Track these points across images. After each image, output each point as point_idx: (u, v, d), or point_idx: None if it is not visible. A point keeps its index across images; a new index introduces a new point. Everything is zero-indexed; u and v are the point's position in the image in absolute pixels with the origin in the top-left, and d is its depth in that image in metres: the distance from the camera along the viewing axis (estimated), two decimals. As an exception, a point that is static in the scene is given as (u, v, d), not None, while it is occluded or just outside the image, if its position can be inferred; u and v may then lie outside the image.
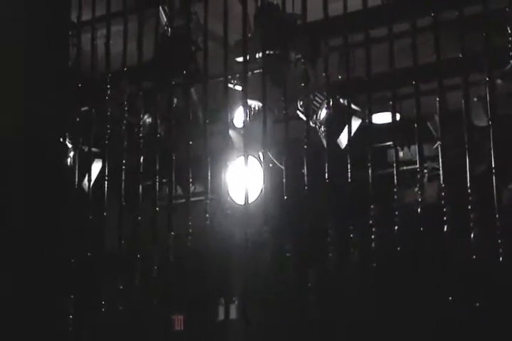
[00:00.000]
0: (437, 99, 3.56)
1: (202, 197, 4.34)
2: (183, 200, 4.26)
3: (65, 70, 3.87)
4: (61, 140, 3.91)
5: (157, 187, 4.03)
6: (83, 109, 4.38)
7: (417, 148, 3.60)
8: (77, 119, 4.21)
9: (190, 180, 4.15)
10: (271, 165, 5.01)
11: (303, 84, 3.97)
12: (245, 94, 4.10)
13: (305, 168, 3.79)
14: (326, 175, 3.80)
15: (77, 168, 4.16)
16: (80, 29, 4.20)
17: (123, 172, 4.07)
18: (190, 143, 4.06)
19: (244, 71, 4.04)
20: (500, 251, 3.23)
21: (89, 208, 4.15)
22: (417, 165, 5.47)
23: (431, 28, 3.72)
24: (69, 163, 4.32)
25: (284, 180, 3.86)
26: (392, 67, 3.64)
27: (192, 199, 4.24)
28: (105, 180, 4.10)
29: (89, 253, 4.04)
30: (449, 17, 3.70)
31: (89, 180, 4.23)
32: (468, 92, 3.48)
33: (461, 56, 3.52)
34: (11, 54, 3.89)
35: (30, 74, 3.88)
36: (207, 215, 3.94)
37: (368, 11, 3.78)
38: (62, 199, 3.83)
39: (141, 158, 4.13)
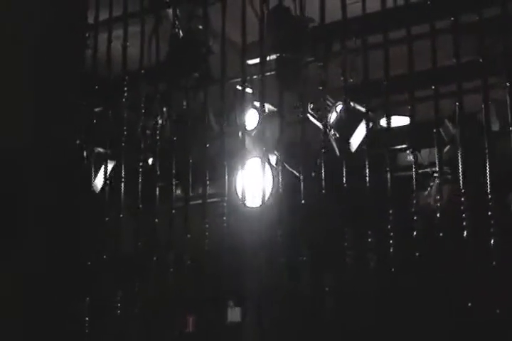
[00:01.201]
0: (456, 102, 3.54)
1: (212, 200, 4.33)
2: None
3: (81, 72, 3.87)
4: (76, 141, 3.91)
5: (173, 189, 4.03)
6: (97, 109, 4.37)
7: (436, 152, 3.59)
8: (92, 121, 4.20)
9: (201, 182, 4.13)
10: (280, 167, 5.00)
11: (320, 88, 3.96)
12: (262, 97, 4.09)
13: (322, 171, 3.78)
14: (333, 178, 3.79)
15: (92, 169, 4.17)
16: (97, 30, 4.19)
17: (139, 174, 4.07)
18: (207, 145, 4.04)
19: (261, 73, 4.03)
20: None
21: (104, 210, 4.14)
22: (429, 169, 5.51)
23: (447, 31, 3.72)
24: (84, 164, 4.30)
25: (302, 184, 3.84)
26: (410, 69, 3.63)
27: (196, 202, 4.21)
28: (121, 181, 4.09)
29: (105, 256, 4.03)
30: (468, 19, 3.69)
31: (105, 182, 4.21)
32: (488, 96, 3.46)
33: (480, 60, 3.51)
34: (27, 56, 3.89)
35: (46, 75, 3.87)
36: (223, 218, 3.93)
37: (385, 12, 3.78)
38: (77, 200, 3.82)
39: (156, 159, 4.13)
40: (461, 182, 3.48)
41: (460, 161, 3.49)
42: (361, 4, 3.77)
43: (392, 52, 3.74)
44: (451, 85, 3.63)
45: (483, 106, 3.45)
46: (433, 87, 3.57)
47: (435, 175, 5.96)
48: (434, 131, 3.60)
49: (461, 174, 3.47)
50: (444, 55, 3.67)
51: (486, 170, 3.42)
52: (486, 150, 3.37)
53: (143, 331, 4.08)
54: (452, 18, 3.60)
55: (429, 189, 5.96)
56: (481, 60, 3.50)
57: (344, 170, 3.80)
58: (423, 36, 3.70)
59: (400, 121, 4.88)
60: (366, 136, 4.13)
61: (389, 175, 3.65)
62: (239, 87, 4.71)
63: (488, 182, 3.37)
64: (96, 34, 4.22)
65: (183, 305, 4.23)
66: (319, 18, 3.92)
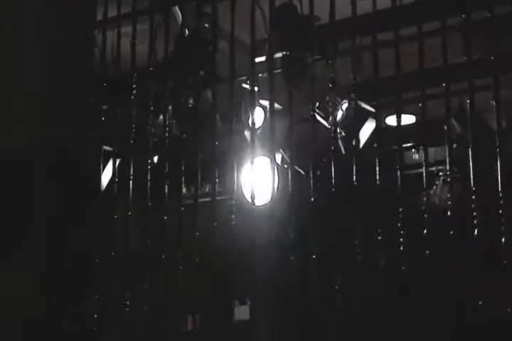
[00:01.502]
0: (468, 100, 3.53)
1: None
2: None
3: (89, 70, 3.86)
4: (84, 140, 3.90)
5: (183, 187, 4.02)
6: (104, 107, 4.36)
7: (446, 150, 3.58)
8: (100, 119, 4.19)
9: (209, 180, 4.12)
10: (286, 166, 5.00)
11: (330, 85, 3.95)
12: (271, 95, 4.08)
13: (332, 170, 3.77)
14: (340, 177, 3.78)
15: (98, 167, 4.15)
16: (105, 27, 4.18)
17: (148, 172, 4.06)
18: (216, 143, 4.04)
19: (271, 72, 4.02)
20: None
21: (113, 208, 4.13)
22: (435, 168, 5.49)
23: (456, 29, 3.71)
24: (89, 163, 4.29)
25: (312, 182, 3.83)
26: (421, 67, 3.62)
27: (201, 200, 4.21)
28: (130, 179, 4.08)
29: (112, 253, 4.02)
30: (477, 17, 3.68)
31: (112, 180, 4.20)
32: (498, 94, 3.45)
33: (490, 57, 3.50)
34: (33, 53, 3.88)
35: (53, 73, 3.87)
36: (232, 216, 3.93)
37: (395, 10, 3.77)
38: (86, 199, 3.81)
39: (163, 157, 4.12)
40: (466, 180, 3.48)
41: (468, 160, 3.48)
42: (369, 2, 3.76)
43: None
44: (456, 83, 3.63)
45: (493, 104, 3.44)
46: (444, 85, 3.55)
47: (440, 173, 5.99)
48: (445, 128, 3.59)
49: (471, 173, 3.46)
50: (450, 52, 3.67)
51: (493, 168, 3.41)
52: (497, 149, 3.36)
53: (150, 330, 4.07)
54: (463, 15, 3.58)
55: (434, 187, 5.98)
56: (492, 58, 3.48)
57: (348, 168, 3.79)
58: (433, 33, 3.69)
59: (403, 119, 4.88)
60: (373, 134, 4.13)
61: (398, 173, 3.63)
62: (244, 85, 4.71)
63: (499, 181, 3.36)
64: (104, 31, 4.21)
65: (190, 304, 4.21)
66: (329, 16, 3.90)
